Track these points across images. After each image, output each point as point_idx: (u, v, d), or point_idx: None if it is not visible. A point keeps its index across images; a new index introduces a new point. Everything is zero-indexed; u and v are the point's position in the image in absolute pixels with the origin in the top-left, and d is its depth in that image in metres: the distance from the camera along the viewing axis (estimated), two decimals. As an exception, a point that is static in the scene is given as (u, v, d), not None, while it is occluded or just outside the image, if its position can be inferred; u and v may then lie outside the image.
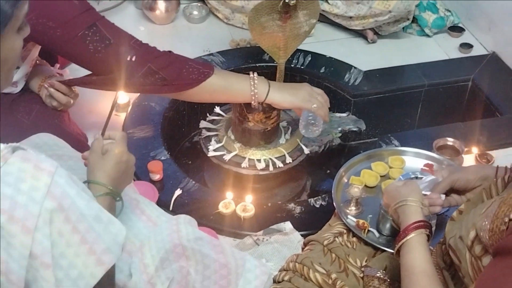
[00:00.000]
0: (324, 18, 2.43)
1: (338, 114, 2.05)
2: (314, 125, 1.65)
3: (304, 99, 1.62)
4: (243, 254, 1.35)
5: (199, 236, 1.25)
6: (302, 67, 2.17)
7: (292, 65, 2.14)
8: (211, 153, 1.75)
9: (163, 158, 1.77)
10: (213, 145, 1.77)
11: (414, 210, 1.17)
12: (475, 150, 1.83)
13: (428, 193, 1.29)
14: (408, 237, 1.11)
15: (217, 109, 1.88)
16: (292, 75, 2.06)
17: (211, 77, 1.55)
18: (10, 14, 0.89)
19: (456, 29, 2.42)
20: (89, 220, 0.93)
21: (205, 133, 1.81)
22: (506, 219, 0.93)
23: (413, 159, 1.63)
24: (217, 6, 2.42)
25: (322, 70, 2.16)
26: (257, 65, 2.14)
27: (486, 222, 0.96)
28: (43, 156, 0.91)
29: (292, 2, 1.66)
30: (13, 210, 0.84)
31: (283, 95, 1.61)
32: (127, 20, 2.45)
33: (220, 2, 2.39)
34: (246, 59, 2.19)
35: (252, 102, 1.60)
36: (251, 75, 1.60)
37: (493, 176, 1.24)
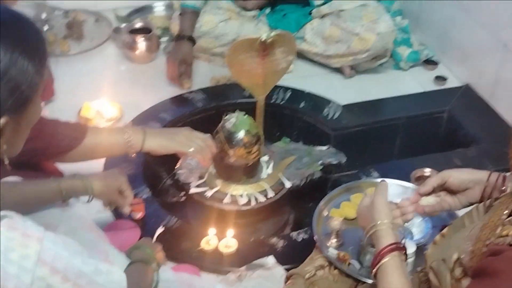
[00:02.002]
0: (302, 56, 2.48)
1: (318, 148, 2.08)
2: (195, 169, 1.66)
3: (181, 143, 1.61)
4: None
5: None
6: (282, 103, 2.21)
7: (272, 101, 2.18)
8: (193, 190, 1.77)
9: (144, 196, 1.78)
10: (195, 181, 1.78)
11: (385, 233, 1.16)
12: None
13: (398, 200, 1.29)
14: (381, 262, 1.12)
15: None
16: (272, 111, 2.09)
17: (84, 139, 1.52)
18: (39, 81, 0.95)
19: (430, 63, 2.49)
20: (89, 274, 0.95)
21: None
22: (487, 242, 0.95)
23: (391, 190, 1.65)
24: (197, 54, 2.45)
25: (302, 105, 2.20)
26: (237, 101, 2.17)
27: (469, 244, 0.99)
28: (30, 222, 0.91)
29: (269, 40, 1.70)
30: (5, 281, 0.84)
31: (159, 141, 1.59)
32: (108, 60, 2.49)
33: (200, 50, 2.43)
34: (227, 96, 2.22)
35: (129, 153, 1.58)
36: (126, 127, 1.61)
37: (485, 180, 1.25)
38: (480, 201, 1.22)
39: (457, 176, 1.28)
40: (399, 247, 1.14)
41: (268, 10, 2.51)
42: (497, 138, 2.02)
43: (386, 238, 1.15)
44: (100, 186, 1.41)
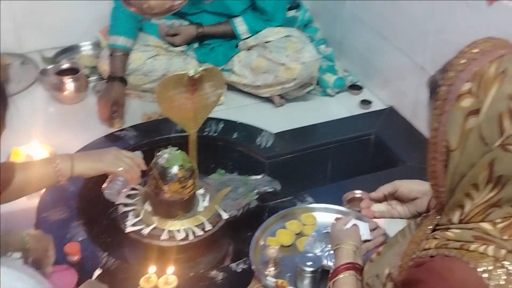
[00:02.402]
0: (233, 88, 2.53)
1: (253, 177, 2.11)
2: (121, 188, 1.68)
3: (109, 162, 1.63)
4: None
5: None
6: (215, 135, 2.24)
7: (205, 133, 2.21)
8: (129, 229, 1.75)
9: (80, 238, 1.75)
10: (131, 220, 1.77)
11: (346, 253, 1.25)
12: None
13: (370, 237, 1.37)
14: (337, 277, 1.18)
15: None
16: (206, 143, 2.11)
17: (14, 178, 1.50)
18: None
19: (355, 88, 2.59)
20: None
21: (122, 209, 1.81)
22: (413, 256, 1.01)
23: (324, 215, 1.70)
24: (127, 91, 2.45)
25: (235, 136, 2.24)
26: (170, 136, 2.19)
27: (398, 259, 1.04)
28: None
29: (196, 75, 1.74)
30: None
31: (88, 164, 1.61)
32: (36, 102, 2.45)
33: (131, 87, 2.43)
34: (159, 131, 2.23)
35: (60, 181, 1.57)
36: (52, 156, 1.62)
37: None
38: (427, 211, 1.29)
39: (407, 186, 1.37)
40: (356, 268, 1.20)
41: (196, 45, 2.56)
42: (421, 156, 2.11)
43: (346, 257, 1.24)
44: (34, 243, 1.39)
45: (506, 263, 0.92)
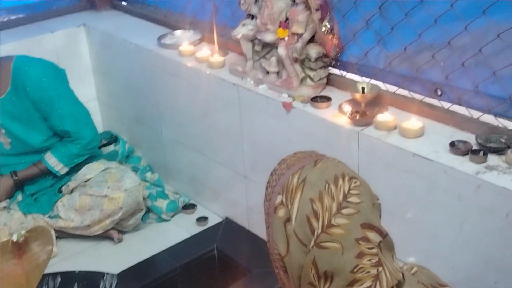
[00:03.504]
0: (64, 234, 2.44)
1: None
2: None
3: None
4: None
5: None
6: (54, 291, 2.12)
7: (43, 292, 2.08)
8: None
9: None
10: None
11: None
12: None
13: None
14: None
15: None
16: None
17: None
18: None
19: (189, 207, 2.63)
20: None
21: None
22: None
23: None
24: None
25: (75, 287, 2.13)
26: (5, 306, 2.02)
27: None
28: None
29: (20, 239, 1.65)
30: None
31: None
32: None
33: None
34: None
35: None
36: None
37: None
38: None
39: None
40: None
41: (20, 197, 2.45)
42: (265, 260, 2.19)
43: None
44: None
45: None
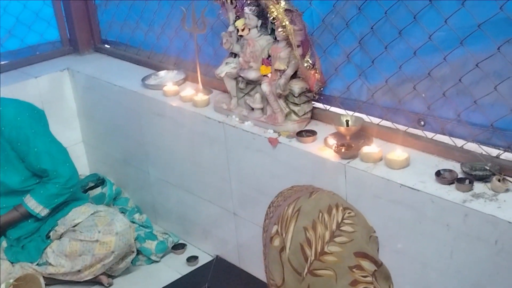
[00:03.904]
0: (53, 281, 2.40)
1: None
2: None
3: None
4: None
5: None
6: None
7: None
8: None
9: None
10: None
11: None
12: None
13: None
14: None
15: None
16: None
17: None
18: None
19: (178, 247, 2.61)
20: None
21: None
22: None
23: None
24: None
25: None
26: None
27: None
28: None
29: (8, 288, 1.63)
30: None
31: None
32: None
33: None
34: None
35: None
36: None
37: None
38: None
39: None
40: None
41: (4, 243, 2.42)
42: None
43: None
44: None
45: None
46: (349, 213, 1.02)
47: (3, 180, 2.36)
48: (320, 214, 1.00)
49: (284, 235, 1.01)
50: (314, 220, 1.00)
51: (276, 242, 1.02)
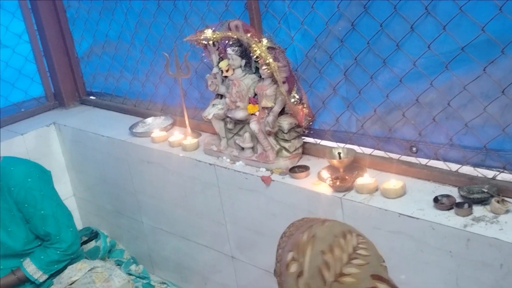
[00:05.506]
0: None
1: None
2: None
3: None
4: None
5: None
6: None
7: None
8: None
9: None
10: None
11: None
12: None
13: None
14: None
15: None
16: None
17: None
18: None
19: (177, 296, 2.55)
20: None
21: None
22: None
23: None
24: None
25: None
26: None
27: None
28: None
29: None
30: None
31: None
32: None
33: None
34: None
35: None
36: None
37: None
38: None
39: None
40: None
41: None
42: None
43: None
44: None
45: None
46: (362, 239, 1.05)
47: (6, 241, 2.31)
48: (336, 239, 1.02)
49: (301, 260, 1.02)
50: (330, 244, 1.01)
51: (293, 268, 1.02)
